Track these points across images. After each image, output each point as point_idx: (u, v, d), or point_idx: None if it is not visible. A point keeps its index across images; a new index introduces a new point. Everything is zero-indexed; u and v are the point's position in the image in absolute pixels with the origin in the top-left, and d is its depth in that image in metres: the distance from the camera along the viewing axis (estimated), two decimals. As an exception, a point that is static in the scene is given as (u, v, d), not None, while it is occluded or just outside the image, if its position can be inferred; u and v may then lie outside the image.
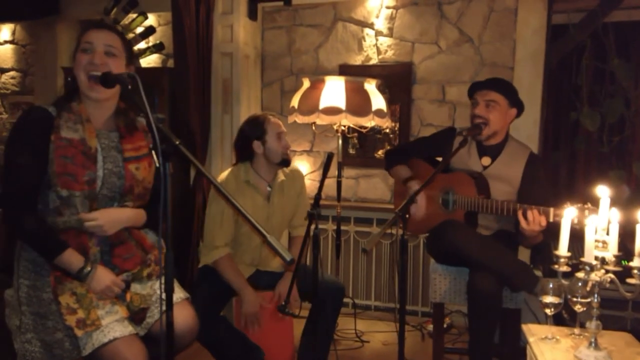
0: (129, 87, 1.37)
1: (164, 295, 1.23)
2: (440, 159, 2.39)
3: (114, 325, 1.43)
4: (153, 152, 1.24)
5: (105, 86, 1.44)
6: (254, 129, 2.19)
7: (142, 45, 3.55)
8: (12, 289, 1.52)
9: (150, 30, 3.54)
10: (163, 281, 1.23)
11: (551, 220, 1.93)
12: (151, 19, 3.58)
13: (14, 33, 4.12)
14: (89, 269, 1.45)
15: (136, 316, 1.53)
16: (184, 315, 1.59)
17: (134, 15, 3.48)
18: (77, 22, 3.75)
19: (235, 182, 2.18)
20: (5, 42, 4.15)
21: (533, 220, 1.93)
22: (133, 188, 1.54)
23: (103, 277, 1.47)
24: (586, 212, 1.81)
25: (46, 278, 1.47)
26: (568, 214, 1.59)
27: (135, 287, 1.56)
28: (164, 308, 1.24)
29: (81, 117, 1.49)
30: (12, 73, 4.15)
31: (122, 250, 1.54)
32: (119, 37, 1.54)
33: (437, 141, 2.37)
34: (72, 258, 1.45)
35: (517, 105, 2.23)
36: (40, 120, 1.46)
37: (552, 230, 1.91)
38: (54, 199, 1.46)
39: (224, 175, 2.23)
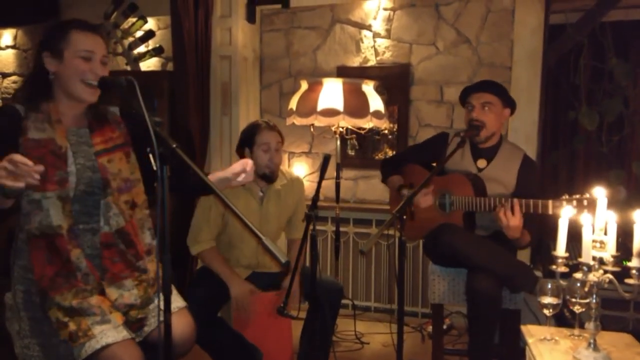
0: (126, 89, 1.36)
1: (162, 303, 1.23)
2: (435, 164, 2.40)
3: (107, 332, 1.41)
4: (150, 155, 1.25)
5: (102, 89, 1.44)
6: (246, 136, 2.22)
7: (142, 48, 3.57)
8: (11, 292, 1.52)
9: (149, 34, 3.55)
10: (162, 287, 1.23)
11: (540, 211, 1.93)
12: (151, 23, 3.59)
13: (15, 38, 4.14)
14: None
15: (133, 325, 1.52)
16: (182, 324, 1.58)
17: (134, 19, 3.50)
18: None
19: None
20: (7, 47, 4.17)
21: (507, 217, 1.95)
22: (109, 182, 1.50)
23: None
24: (584, 202, 1.81)
25: (37, 285, 1.44)
26: (565, 214, 1.59)
27: (132, 297, 1.53)
28: (162, 316, 1.23)
29: (50, 118, 1.46)
30: (13, 77, 4.17)
31: (110, 253, 1.51)
32: (106, 43, 1.54)
33: (430, 147, 2.39)
34: None
35: (510, 104, 2.24)
36: (9, 119, 1.42)
37: (548, 230, 1.91)
38: (25, 205, 1.42)
39: None
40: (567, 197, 1.88)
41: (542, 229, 2.11)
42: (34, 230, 1.42)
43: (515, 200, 1.97)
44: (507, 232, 1.99)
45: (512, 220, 1.95)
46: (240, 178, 1.67)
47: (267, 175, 2.18)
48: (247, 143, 2.20)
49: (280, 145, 2.21)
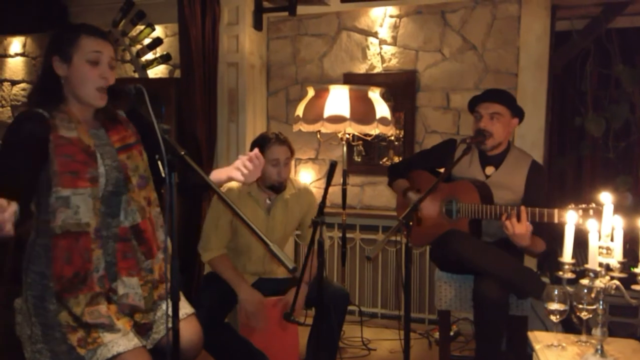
0: (135, 96, 1.38)
1: (170, 309, 1.24)
2: (442, 170, 2.40)
3: (117, 340, 1.42)
4: (159, 162, 1.27)
5: (112, 96, 1.47)
6: (255, 148, 2.22)
7: (149, 56, 3.61)
8: (21, 298, 1.52)
9: (157, 42, 3.59)
10: (169, 292, 1.24)
11: (546, 220, 1.93)
12: (158, 31, 3.64)
13: (24, 46, 4.20)
14: None
15: (140, 328, 1.53)
16: (190, 331, 1.59)
17: (142, 27, 3.54)
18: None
19: (237, 192, 2.21)
20: (16, 54, 4.23)
21: (512, 224, 1.94)
22: (130, 178, 1.52)
23: None
24: (590, 211, 1.81)
25: (52, 290, 1.44)
26: (571, 220, 1.59)
27: (137, 298, 1.53)
28: (170, 321, 1.24)
29: (72, 118, 1.48)
30: (23, 85, 4.22)
31: (124, 247, 1.52)
32: (114, 49, 1.55)
33: (437, 153, 2.40)
34: None
35: (519, 114, 2.25)
36: (37, 122, 1.43)
37: (555, 236, 1.91)
38: (53, 202, 1.41)
39: (230, 183, 2.26)
40: (573, 206, 1.88)
41: (550, 236, 2.11)
42: (57, 229, 1.42)
43: (522, 208, 1.97)
44: (514, 240, 1.98)
45: (518, 228, 1.94)
46: (239, 176, 1.65)
47: (275, 187, 2.20)
48: None
49: (289, 160, 2.21)
